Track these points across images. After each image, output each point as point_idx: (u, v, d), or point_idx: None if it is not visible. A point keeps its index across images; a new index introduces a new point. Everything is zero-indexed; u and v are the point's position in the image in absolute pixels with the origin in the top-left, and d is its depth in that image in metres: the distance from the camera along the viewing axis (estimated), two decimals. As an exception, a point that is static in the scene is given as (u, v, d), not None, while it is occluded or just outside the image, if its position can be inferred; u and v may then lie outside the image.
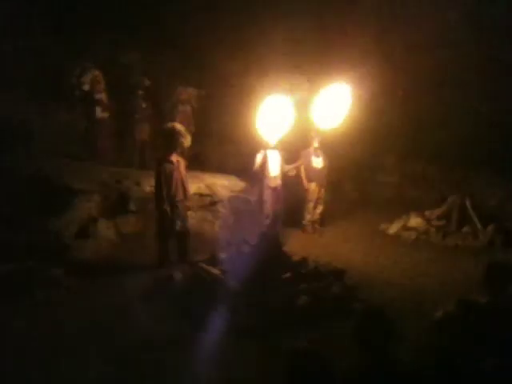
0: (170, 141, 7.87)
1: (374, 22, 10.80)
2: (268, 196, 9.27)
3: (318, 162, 10.16)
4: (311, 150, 10.14)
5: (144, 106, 11.09)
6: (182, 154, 8.18)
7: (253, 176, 9.26)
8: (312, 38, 10.69)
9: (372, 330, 3.00)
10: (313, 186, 10.16)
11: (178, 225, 7.82)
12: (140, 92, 11.09)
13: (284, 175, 9.54)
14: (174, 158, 7.81)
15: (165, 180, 7.67)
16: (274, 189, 9.33)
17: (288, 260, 7.12)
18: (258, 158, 9.20)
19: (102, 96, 10.76)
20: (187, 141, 8.22)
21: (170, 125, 8.15)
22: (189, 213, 8.23)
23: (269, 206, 9.27)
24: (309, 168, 10.12)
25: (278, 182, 9.41)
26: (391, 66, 10.77)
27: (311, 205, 10.21)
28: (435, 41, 10.36)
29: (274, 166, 9.33)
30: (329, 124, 9.17)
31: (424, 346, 3.16)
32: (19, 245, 7.26)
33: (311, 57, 10.63)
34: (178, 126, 8.12)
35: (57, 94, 10.33)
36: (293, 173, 9.82)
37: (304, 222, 10.22)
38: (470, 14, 10.06)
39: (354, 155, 11.60)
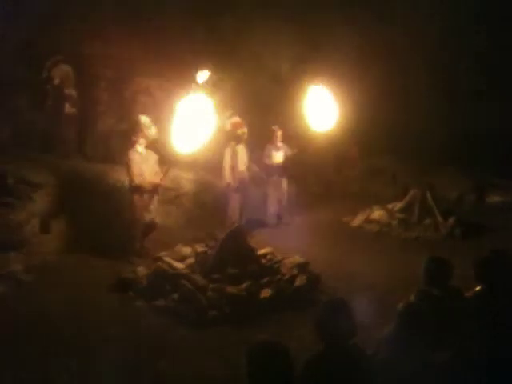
0: (134, 132, 7.92)
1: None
2: (234, 189, 9.26)
3: (279, 156, 10.20)
4: (273, 143, 10.18)
5: (106, 97, 10.89)
6: (151, 147, 8.13)
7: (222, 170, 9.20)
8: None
9: (335, 321, 3.03)
10: (274, 180, 10.20)
11: (147, 217, 7.88)
12: (102, 83, 10.88)
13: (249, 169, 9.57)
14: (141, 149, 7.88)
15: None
16: (241, 182, 9.33)
17: (252, 253, 7.13)
18: (227, 152, 9.17)
19: (71, 91, 10.58)
20: (153, 132, 8.08)
21: (134, 116, 8.10)
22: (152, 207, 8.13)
23: (235, 199, 9.25)
24: (270, 162, 10.17)
25: (245, 175, 9.42)
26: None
27: (274, 198, 10.25)
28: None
29: (241, 159, 9.33)
30: (322, 126, 9.09)
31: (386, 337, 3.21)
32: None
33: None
34: (143, 118, 8.06)
35: (19, 86, 10.07)
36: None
37: (267, 216, 10.25)
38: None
39: (318, 148, 11.64)
